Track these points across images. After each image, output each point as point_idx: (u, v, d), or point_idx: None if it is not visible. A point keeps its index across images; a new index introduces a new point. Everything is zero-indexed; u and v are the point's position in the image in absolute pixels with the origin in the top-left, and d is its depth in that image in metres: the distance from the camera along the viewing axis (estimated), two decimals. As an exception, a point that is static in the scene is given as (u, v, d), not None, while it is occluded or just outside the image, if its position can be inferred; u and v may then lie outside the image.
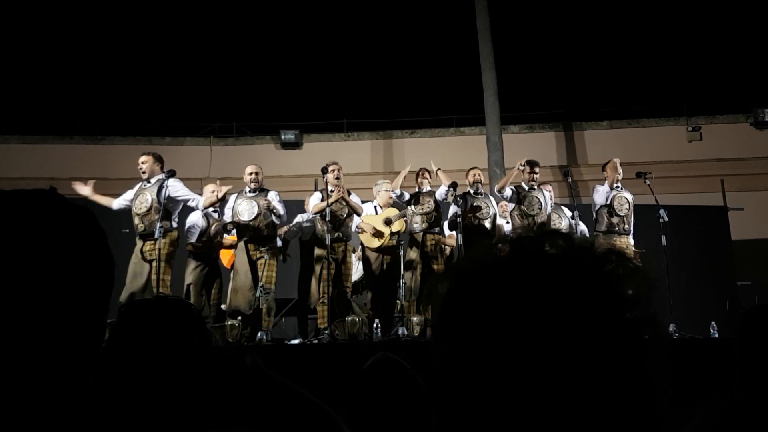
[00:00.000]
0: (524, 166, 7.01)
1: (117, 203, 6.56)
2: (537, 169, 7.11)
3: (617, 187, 7.20)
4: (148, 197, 6.32)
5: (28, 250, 0.73)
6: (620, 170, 7.22)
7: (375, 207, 7.19)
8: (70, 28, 15.06)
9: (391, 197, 7.17)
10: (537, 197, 7.00)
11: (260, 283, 6.34)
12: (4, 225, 0.73)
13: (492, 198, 7.27)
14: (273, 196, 6.63)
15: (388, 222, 6.94)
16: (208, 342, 1.40)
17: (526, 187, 7.05)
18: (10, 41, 15.01)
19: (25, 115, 13.75)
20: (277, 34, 16.46)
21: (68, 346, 0.74)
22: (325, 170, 6.66)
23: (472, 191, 7.10)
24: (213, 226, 6.82)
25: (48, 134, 13.05)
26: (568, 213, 7.35)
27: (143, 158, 6.54)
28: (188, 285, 6.63)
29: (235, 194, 6.75)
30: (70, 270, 0.75)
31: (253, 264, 6.49)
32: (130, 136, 13.14)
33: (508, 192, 6.96)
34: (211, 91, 15.70)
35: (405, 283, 6.67)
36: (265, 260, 6.48)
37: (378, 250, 7.01)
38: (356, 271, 7.47)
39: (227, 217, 6.69)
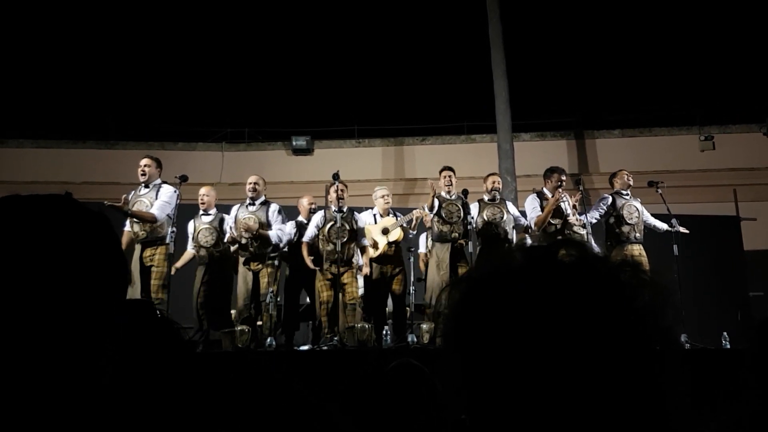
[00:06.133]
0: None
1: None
2: (564, 177, 7.02)
3: (626, 195, 7.14)
4: (147, 203, 6.19)
5: (43, 254, 0.73)
6: (630, 179, 7.18)
7: (374, 216, 7.05)
8: (83, 34, 15.17)
9: (387, 202, 7.11)
10: (561, 205, 6.92)
11: (270, 289, 6.38)
12: (20, 229, 0.74)
13: (509, 204, 7.19)
14: (273, 212, 6.63)
15: (385, 231, 6.88)
16: (176, 345, 1.38)
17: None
18: (24, 46, 15.15)
19: (38, 119, 13.86)
20: (289, 41, 16.53)
21: (81, 348, 0.74)
22: (336, 176, 6.64)
23: (487, 198, 6.98)
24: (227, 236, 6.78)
25: (61, 139, 13.14)
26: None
27: (146, 161, 6.40)
28: (199, 288, 6.60)
29: (237, 206, 6.72)
30: (83, 274, 0.75)
31: (253, 273, 6.61)
32: (143, 141, 13.20)
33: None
34: (223, 96, 15.76)
35: (415, 291, 6.65)
36: (264, 269, 6.58)
37: (378, 260, 6.91)
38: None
39: (229, 227, 6.62)
